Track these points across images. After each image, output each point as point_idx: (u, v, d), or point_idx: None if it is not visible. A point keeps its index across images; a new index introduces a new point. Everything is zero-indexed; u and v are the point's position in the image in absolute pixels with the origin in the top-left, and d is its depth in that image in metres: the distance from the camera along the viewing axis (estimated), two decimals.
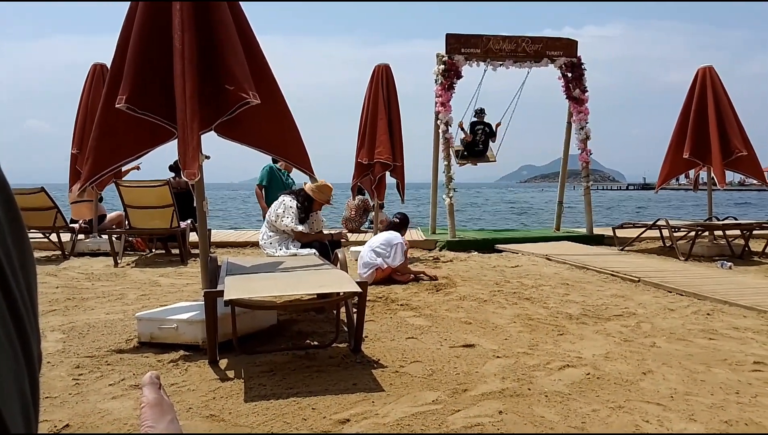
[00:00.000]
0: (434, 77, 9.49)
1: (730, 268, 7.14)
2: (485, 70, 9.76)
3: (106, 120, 3.71)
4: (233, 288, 3.28)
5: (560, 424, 2.56)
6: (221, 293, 3.22)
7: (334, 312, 4.27)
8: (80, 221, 8.51)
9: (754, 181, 9.38)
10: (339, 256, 4.40)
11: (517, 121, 10.76)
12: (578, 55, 9.63)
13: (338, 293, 3.58)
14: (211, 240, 8.45)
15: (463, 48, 9.34)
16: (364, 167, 7.76)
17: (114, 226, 8.28)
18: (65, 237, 8.06)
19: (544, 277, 6.35)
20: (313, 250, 4.93)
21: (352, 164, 7.96)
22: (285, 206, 5.05)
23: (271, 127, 3.93)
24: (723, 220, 8.68)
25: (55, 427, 2.52)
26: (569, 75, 9.69)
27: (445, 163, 9.45)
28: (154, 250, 8.38)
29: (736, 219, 9.00)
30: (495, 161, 10.79)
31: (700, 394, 2.91)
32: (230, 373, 3.21)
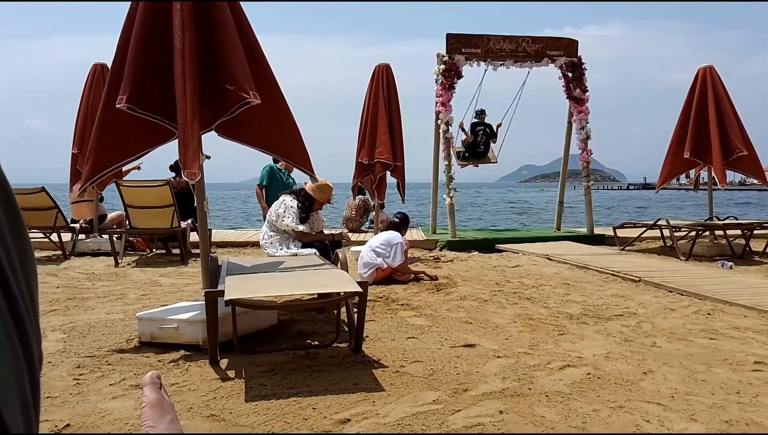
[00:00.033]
0: (435, 77, 9.48)
1: (730, 267, 7.14)
2: (486, 70, 9.76)
3: (107, 120, 3.71)
4: (234, 288, 3.28)
5: (561, 424, 2.56)
6: (222, 293, 3.21)
7: (335, 312, 4.27)
8: (81, 221, 8.51)
9: (755, 181, 9.37)
10: (339, 256, 4.40)
11: (518, 121, 10.74)
12: (579, 54, 9.63)
13: (339, 293, 3.58)
14: (212, 240, 8.46)
15: (463, 48, 9.33)
16: (364, 167, 7.76)
17: (114, 226, 8.29)
18: (66, 237, 8.07)
19: (545, 277, 6.35)
20: (314, 250, 4.93)
21: (352, 164, 7.96)
22: (286, 206, 5.05)
23: (271, 126, 3.93)
24: (724, 219, 8.67)
25: (56, 426, 2.52)
26: (570, 75, 9.68)
27: (446, 162, 9.44)
28: (154, 250, 8.38)
29: (736, 219, 9.00)
30: (496, 162, 10.78)
31: (700, 394, 2.91)
32: (231, 373, 3.21)
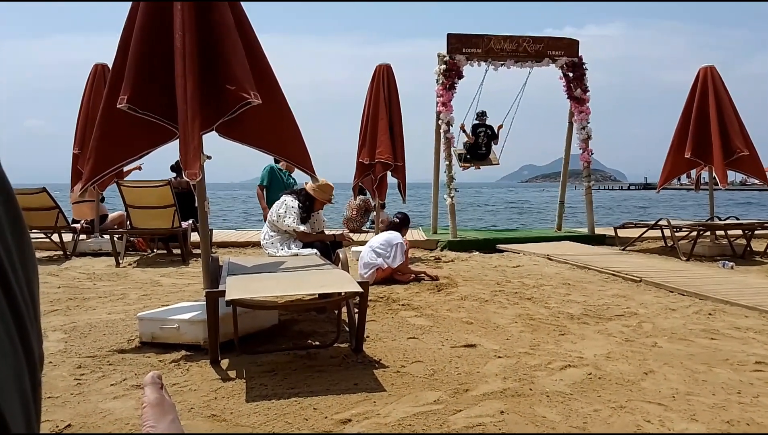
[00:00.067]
0: (435, 77, 9.48)
1: (731, 268, 7.13)
2: (486, 71, 9.76)
3: (108, 120, 3.71)
4: (235, 288, 3.28)
5: (562, 424, 2.56)
6: (223, 293, 3.21)
7: (336, 312, 4.27)
8: (82, 221, 8.52)
9: (756, 181, 9.36)
10: (340, 256, 4.40)
11: (519, 121, 10.77)
12: (579, 54, 9.63)
13: (339, 293, 3.58)
14: (213, 240, 8.46)
15: (464, 48, 9.33)
16: (365, 167, 7.77)
17: (116, 226, 8.30)
18: (67, 237, 8.07)
19: (546, 277, 6.35)
20: (315, 250, 4.93)
21: (352, 164, 7.97)
22: (287, 206, 5.05)
23: (272, 127, 3.93)
24: (725, 219, 8.67)
25: (57, 427, 2.53)
26: (570, 75, 9.68)
27: (446, 163, 9.44)
28: (155, 250, 8.39)
29: (737, 219, 8.99)
30: (498, 164, 10.77)
31: (701, 394, 2.91)
32: (231, 373, 3.21)
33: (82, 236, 8.32)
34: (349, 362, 3.39)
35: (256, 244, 7.84)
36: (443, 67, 9.35)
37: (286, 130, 3.98)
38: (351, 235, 6.23)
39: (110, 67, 3.93)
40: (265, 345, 3.75)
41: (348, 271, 4.02)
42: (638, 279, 6.06)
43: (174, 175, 8.34)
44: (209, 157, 3.88)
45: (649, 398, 2.86)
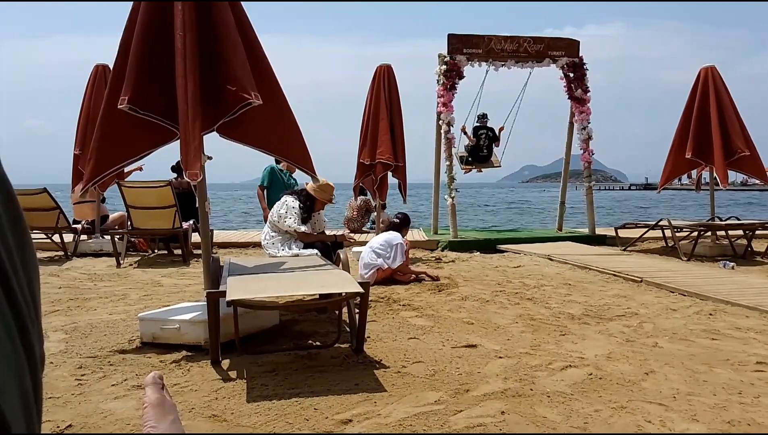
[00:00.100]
0: (436, 77, 9.48)
1: (732, 268, 7.13)
2: (487, 71, 9.76)
3: (109, 121, 3.71)
4: (235, 288, 3.28)
5: (562, 424, 2.56)
6: (223, 293, 3.22)
7: (336, 312, 4.27)
8: (83, 222, 8.53)
9: (757, 181, 9.36)
10: (341, 256, 4.41)
11: (519, 122, 10.74)
12: (580, 55, 9.63)
13: (340, 294, 3.58)
14: (214, 240, 8.46)
15: (464, 48, 9.33)
16: (366, 167, 7.77)
17: (116, 227, 8.30)
18: (68, 237, 8.08)
19: (546, 278, 6.34)
20: (315, 251, 4.93)
21: (353, 164, 7.97)
22: (287, 206, 5.06)
23: (272, 127, 3.94)
24: (725, 220, 8.66)
25: (58, 427, 2.53)
26: (571, 75, 9.68)
27: (447, 163, 9.44)
28: (156, 251, 8.39)
29: (738, 219, 8.99)
30: (500, 166, 10.77)
31: (702, 395, 2.91)
32: (232, 374, 3.21)
33: (83, 237, 8.33)
34: (350, 362, 3.39)
35: (257, 245, 7.85)
36: (444, 67, 9.35)
37: (287, 130, 3.98)
38: (352, 235, 6.23)
39: (111, 68, 3.93)
40: (265, 345, 3.75)
41: (348, 272, 4.02)
42: (639, 279, 6.06)
43: (175, 175, 8.35)
44: (210, 158, 3.88)
45: (650, 398, 2.85)
